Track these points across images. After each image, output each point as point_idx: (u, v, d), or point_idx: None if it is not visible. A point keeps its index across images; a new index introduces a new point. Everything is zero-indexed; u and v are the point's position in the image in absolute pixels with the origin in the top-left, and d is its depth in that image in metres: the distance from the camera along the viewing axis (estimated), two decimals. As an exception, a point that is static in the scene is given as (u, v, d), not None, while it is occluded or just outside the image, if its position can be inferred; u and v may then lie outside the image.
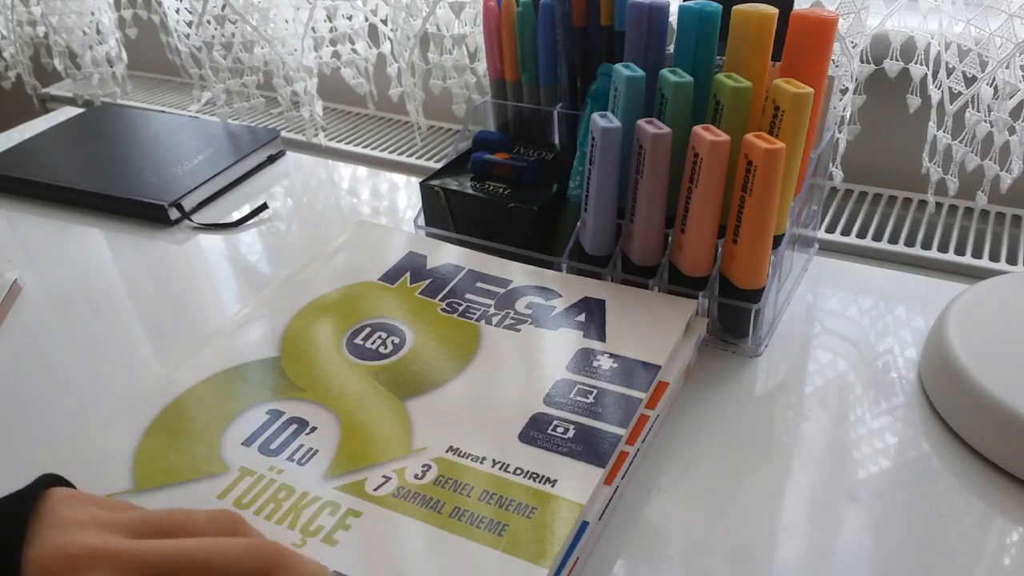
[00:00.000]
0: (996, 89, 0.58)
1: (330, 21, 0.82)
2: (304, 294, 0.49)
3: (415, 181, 0.70)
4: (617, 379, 0.41)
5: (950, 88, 0.59)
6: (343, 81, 0.86)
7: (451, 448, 0.37)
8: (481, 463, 0.37)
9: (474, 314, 0.46)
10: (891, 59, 0.63)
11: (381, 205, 0.68)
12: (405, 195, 0.69)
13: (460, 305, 0.47)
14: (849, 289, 0.54)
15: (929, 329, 0.46)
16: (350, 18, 0.82)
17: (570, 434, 0.38)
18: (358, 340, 0.45)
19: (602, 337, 0.44)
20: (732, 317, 0.47)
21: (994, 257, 0.61)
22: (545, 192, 0.53)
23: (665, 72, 0.44)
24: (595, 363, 0.42)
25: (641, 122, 0.44)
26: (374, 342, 0.45)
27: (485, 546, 0.33)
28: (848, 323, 0.50)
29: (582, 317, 0.45)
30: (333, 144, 0.86)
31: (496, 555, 0.32)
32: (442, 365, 0.43)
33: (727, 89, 0.43)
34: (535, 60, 0.56)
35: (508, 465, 0.36)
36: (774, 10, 0.42)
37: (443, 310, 0.47)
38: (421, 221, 0.57)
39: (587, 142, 0.46)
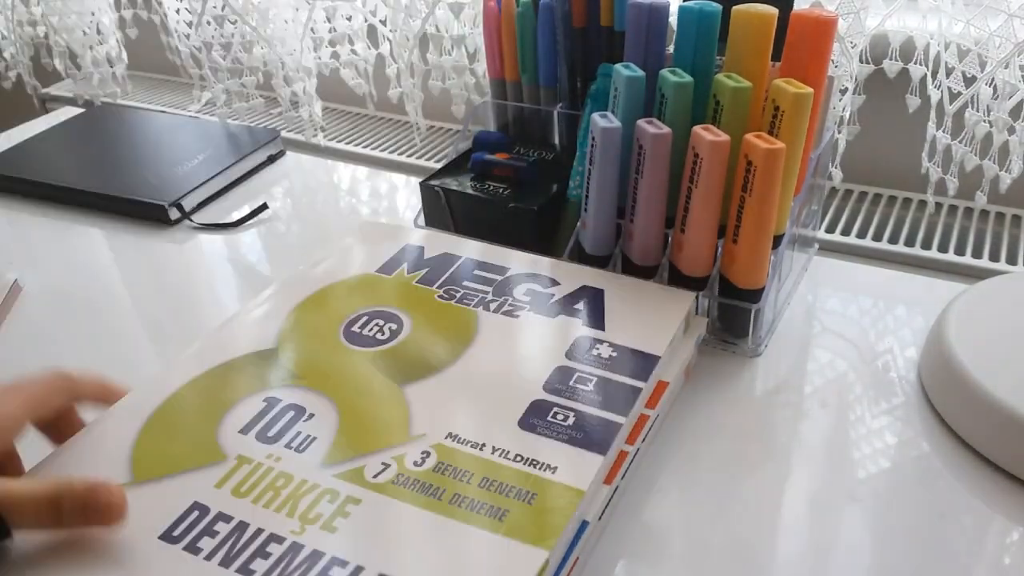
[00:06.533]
0: (995, 89, 0.58)
1: (329, 22, 0.82)
2: (301, 289, 0.49)
3: (415, 181, 0.70)
4: (617, 368, 0.41)
5: (949, 88, 0.59)
6: (342, 82, 0.86)
7: (450, 435, 0.37)
8: (480, 449, 0.37)
9: (472, 300, 0.46)
10: (890, 59, 0.63)
11: (381, 205, 0.68)
12: (405, 195, 0.69)
13: (458, 292, 0.47)
14: (849, 289, 0.54)
15: (929, 329, 0.46)
16: (349, 19, 0.82)
17: (570, 421, 0.38)
18: (355, 328, 0.45)
19: (600, 326, 0.44)
20: (732, 317, 0.47)
21: (994, 257, 0.61)
22: (545, 192, 0.53)
23: (665, 72, 0.44)
24: (594, 351, 0.42)
25: (641, 122, 0.44)
26: (371, 329, 0.45)
27: (486, 530, 0.33)
28: (848, 323, 0.50)
29: (580, 305, 0.45)
30: (333, 144, 0.86)
31: (497, 539, 0.32)
32: (440, 350, 0.43)
33: (727, 89, 0.43)
34: (535, 60, 0.56)
35: (507, 452, 0.36)
36: (774, 10, 0.42)
37: (440, 297, 0.47)
38: (421, 221, 0.57)
39: (587, 142, 0.46)
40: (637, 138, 0.44)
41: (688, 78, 0.44)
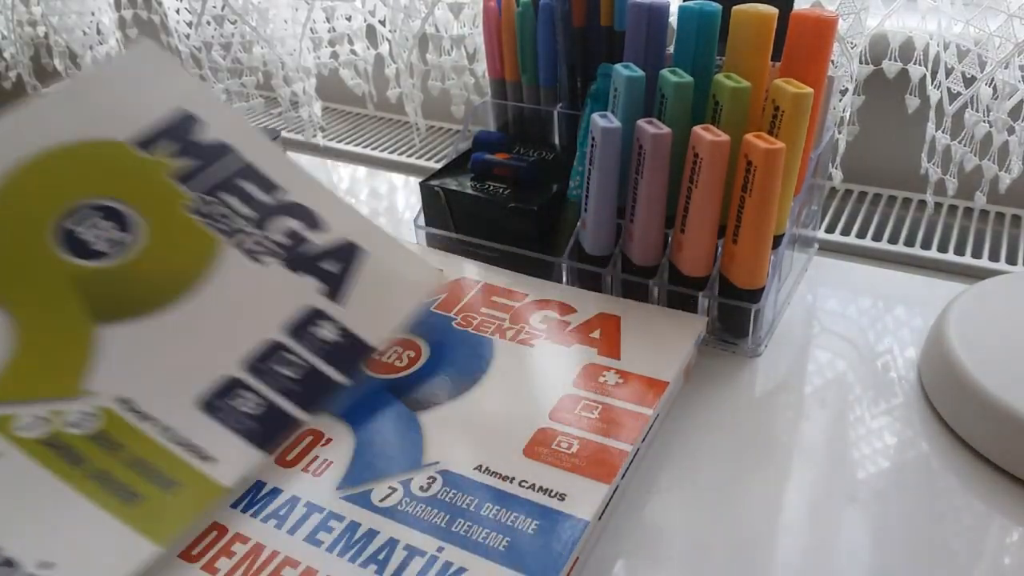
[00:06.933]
0: (995, 89, 0.58)
1: (329, 22, 0.82)
2: (43, 132, 0.36)
3: (415, 181, 0.70)
4: (331, 355, 0.36)
5: (949, 88, 0.59)
6: (342, 82, 0.86)
7: (123, 399, 0.32)
8: (147, 422, 0.32)
9: (224, 223, 0.38)
10: (890, 60, 0.63)
11: (381, 205, 0.68)
12: (404, 195, 0.69)
13: (212, 205, 0.38)
14: (849, 289, 0.54)
15: (929, 329, 0.46)
16: (349, 19, 0.82)
17: (250, 408, 0.33)
18: (72, 224, 0.35)
19: (339, 298, 0.37)
20: (732, 317, 0.47)
21: (993, 257, 0.61)
22: (545, 192, 0.53)
23: (665, 72, 0.44)
24: (320, 329, 0.36)
25: (641, 122, 0.44)
26: (91, 232, 0.35)
27: (106, 512, 0.30)
28: (848, 323, 0.50)
29: (330, 264, 0.39)
30: (332, 144, 0.86)
31: (116, 524, 0.29)
32: (160, 284, 0.35)
33: (726, 89, 0.43)
34: (535, 60, 0.56)
35: (175, 431, 0.32)
36: (774, 10, 0.42)
37: (188, 207, 0.37)
38: (421, 221, 0.57)
39: (587, 142, 0.46)
40: (637, 138, 0.44)
41: (688, 78, 0.44)
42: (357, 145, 0.86)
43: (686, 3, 0.45)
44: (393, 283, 0.39)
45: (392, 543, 0.34)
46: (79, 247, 0.34)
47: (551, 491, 0.36)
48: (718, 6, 0.44)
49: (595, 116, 0.44)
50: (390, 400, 0.41)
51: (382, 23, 0.80)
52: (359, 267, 0.38)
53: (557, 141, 0.59)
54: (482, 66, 0.78)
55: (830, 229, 0.65)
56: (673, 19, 0.52)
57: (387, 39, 0.81)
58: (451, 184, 0.54)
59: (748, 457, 0.41)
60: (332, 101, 0.95)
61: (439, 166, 0.57)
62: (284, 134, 0.86)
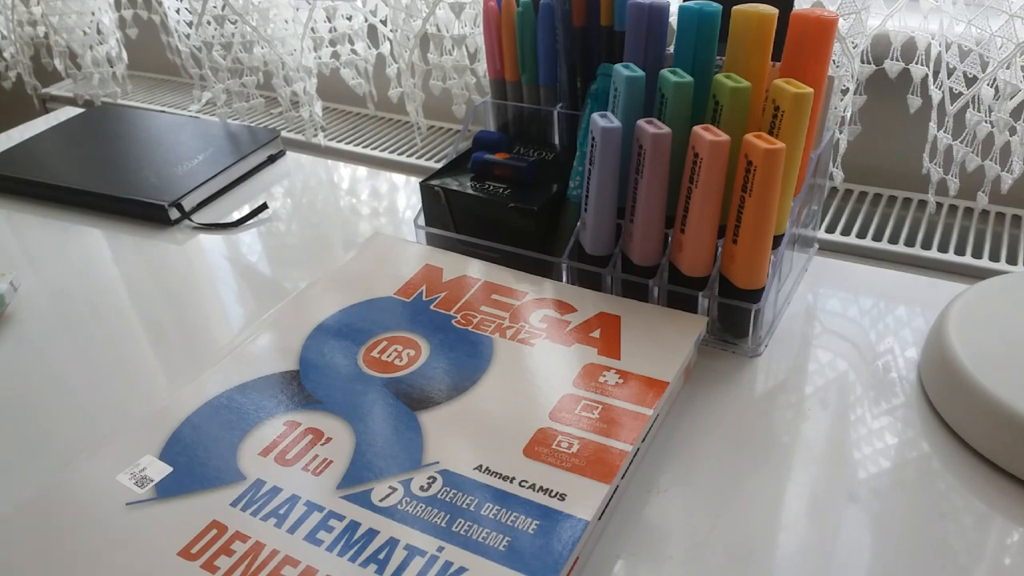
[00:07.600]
0: (997, 89, 0.58)
1: (330, 22, 0.82)
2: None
3: (415, 181, 0.70)
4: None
5: (951, 88, 0.59)
6: (343, 81, 0.86)
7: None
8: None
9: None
10: (892, 59, 0.63)
11: (381, 205, 0.68)
12: (405, 195, 0.69)
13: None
14: (849, 289, 0.54)
15: (929, 329, 0.46)
16: (350, 19, 0.82)
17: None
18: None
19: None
20: (732, 317, 0.47)
21: (994, 257, 0.61)
22: (545, 192, 0.53)
23: (665, 72, 0.44)
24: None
25: (641, 122, 0.44)
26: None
27: None
28: (848, 323, 0.50)
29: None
30: (333, 144, 0.86)
31: None
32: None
33: (726, 89, 0.43)
34: (535, 60, 0.56)
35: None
36: (774, 10, 0.42)
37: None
38: (421, 221, 0.57)
39: (587, 142, 0.46)
40: (637, 138, 0.44)
41: (689, 78, 0.44)
42: (358, 145, 0.86)
43: (686, 3, 0.45)
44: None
45: (392, 543, 0.34)
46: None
47: (551, 491, 0.36)
48: (718, 6, 0.44)
49: (595, 116, 0.44)
50: (390, 399, 0.42)
51: (383, 23, 0.80)
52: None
53: (557, 141, 0.59)
54: (483, 66, 0.78)
55: (830, 229, 0.65)
56: (673, 19, 0.51)
57: (388, 39, 0.81)
58: (451, 184, 0.54)
59: (748, 457, 0.41)
60: (333, 101, 0.95)
61: (439, 166, 0.57)
62: (284, 134, 0.87)
